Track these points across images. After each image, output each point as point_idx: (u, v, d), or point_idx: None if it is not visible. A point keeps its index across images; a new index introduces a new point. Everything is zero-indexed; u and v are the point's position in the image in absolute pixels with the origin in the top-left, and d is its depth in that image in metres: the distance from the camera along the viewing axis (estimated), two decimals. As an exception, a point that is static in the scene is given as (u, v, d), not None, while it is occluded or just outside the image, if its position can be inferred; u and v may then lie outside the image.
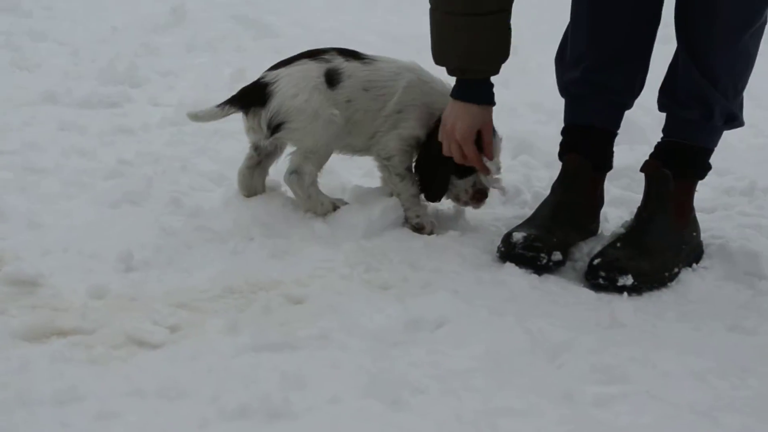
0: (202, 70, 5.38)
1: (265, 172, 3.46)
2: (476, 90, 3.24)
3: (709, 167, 3.35)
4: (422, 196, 3.39)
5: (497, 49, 3.20)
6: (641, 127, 4.35)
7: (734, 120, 3.29)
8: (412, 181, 3.38)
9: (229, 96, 3.41)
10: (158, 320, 2.62)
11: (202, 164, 3.84)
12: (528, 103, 4.96)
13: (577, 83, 3.40)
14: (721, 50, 3.19)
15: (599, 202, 3.45)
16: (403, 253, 3.15)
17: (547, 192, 3.61)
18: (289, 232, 3.26)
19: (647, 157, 3.36)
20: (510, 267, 3.10)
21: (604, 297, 3.00)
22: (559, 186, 3.40)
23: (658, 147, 3.35)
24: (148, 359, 2.46)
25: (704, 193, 3.76)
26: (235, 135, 4.18)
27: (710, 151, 3.34)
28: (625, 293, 3.01)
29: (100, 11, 6.81)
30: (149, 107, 4.70)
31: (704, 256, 3.30)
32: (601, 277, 3.05)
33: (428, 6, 3.19)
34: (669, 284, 3.12)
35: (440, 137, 3.27)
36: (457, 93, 3.24)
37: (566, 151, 3.44)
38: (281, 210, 3.38)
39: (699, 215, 3.39)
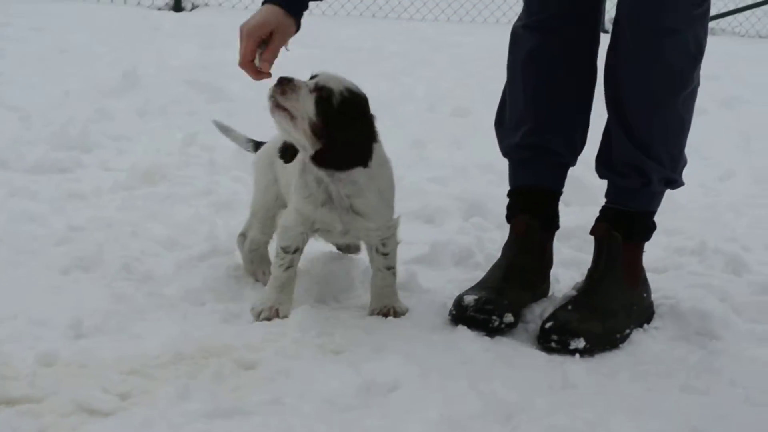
0: (154, 135, 5.38)
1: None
2: None
3: (653, 228, 3.38)
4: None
5: None
6: (590, 188, 4.38)
7: (673, 183, 3.33)
8: (278, 262, 3.19)
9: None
10: (109, 387, 2.59)
11: (153, 229, 3.82)
12: (479, 165, 4.99)
13: (518, 148, 3.44)
14: (652, 119, 3.22)
15: (549, 262, 3.47)
16: (356, 317, 3.15)
17: (500, 253, 3.63)
18: (240, 296, 3.25)
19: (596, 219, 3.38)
20: (462, 330, 3.09)
21: (557, 358, 2.99)
22: (509, 248, 3.42)
23: (603, 211, 3.38)
24: (98, 428, 2.43)
25: (655, 253, 3.79)
26: (188, 200, 4.19)
27: (653, 213, 3.37)
28: (578, 354, 3.02)
29: (54, 76, 6.79)
30: (101, 172, 4.69)
31: (655, 316, 3.31)
32: (554, 340, 3.06)
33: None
34: (620, 345, 3.13)
35: None
36: None
37: (514, 213, 3.46)
38: (232, 275, 3.39)
39: (649, 275, 3.41)
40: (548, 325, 3.10)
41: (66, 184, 4.40)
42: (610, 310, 3.18)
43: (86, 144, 5.00)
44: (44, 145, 4.95)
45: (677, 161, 3.32)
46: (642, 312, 3.28)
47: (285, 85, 2.97)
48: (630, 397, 2.76)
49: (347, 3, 11.59)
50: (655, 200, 3.36)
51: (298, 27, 3.15)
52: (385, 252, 3.21)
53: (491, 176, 4.81)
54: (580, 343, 3.04)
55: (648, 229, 3.37)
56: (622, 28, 3.20)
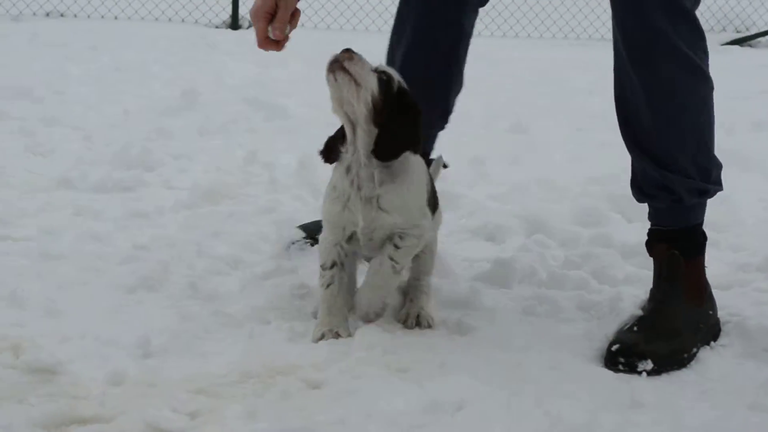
0: (214, 153, 5.41)
1: None
2: None
3: (703, 240, 3.35)
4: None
5: None
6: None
7: (706, 193, 3.30)
8: (320, 282, 3.19)
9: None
10: (177, 407, 2.61)
11: (216, 248, 3.84)
12: (539, 181, 4.97)
13: None
14: (666, 135, 3.21)
15: None
16: (420, 335, 3.16)
17: (563, 271, 3.63)
18: (305, 315, 3.26)
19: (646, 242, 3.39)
20: (527, 349, 3.08)
21: (623, 376, 2.97)
22: None
23: (649, 234, 3.38)
24: (168, 447, 2.47)
25: (719, 269, 3.76)
26: (250, 218, 4.21)
27: (698, 225, 3.35)
28: (644, 373, 3.00)
29: (112, 95, 6.87)
30: (163, 191, 4.72)
31: (722, 333, 3.27)
32: (621, 363, 3.02)
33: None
34: (688, 365, 3.10)
35: None
36: None
37: None
38: (297, 293, 3.40)
39: (714, 292, 3.39)
40: (615, 347, 3.07)
41: (129, 203, 4.43)
42: (676, 329, 3.15)
43: (148, 163, 5.03)
44: (106, 164, 5.00)
45: (707, 169, 3.28)
46: (708, 330, 3.25)
47: (352, 53, 3.01)
48: (697, 415, 2.74)
49: (402, 19, 11.60)
50: (694, 213, 3.33)
51: None
52: (398, 245, 3.13)
53: (551, 193, 4.80)
54: (648, 365, 3.01)
55: (697, 242, 3.35)
56: (619, 53, 3.22)
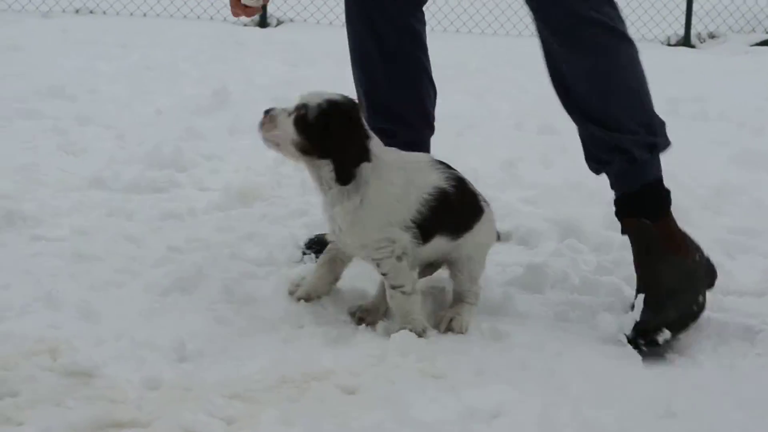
0: (245, 153, 5.41)
1: None
2: None
3: (666, 194, 3.42)
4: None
5: None
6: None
7: (655, 147, 3.39)
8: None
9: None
10: (213, 412, 2.62)
11: (250, 250, 3.84)
12: (570, 184, 4.95)
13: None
14: (605, 98, 3.35)
15: None
16: (455, 341, 3.16)
17: (596, 277, 3.63)
18: (339, 319, 3.27)
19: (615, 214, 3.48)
20: (561, 355, 3.08)
21: (660, 383, 2.96)
22: None
23: (616, 204, 3.46)
24: (205, 453, 2.48)
25: (752, 275, 3.75)
26: (282, 220, 4.22)
27: (658, 181, 3.42)
28: (681, 378, 3.01)
29: (144, 94, 6.90)
30: (195, 192, 4.72)
31: (757, 340, 3.23)
32: (642, 345, 3.13)
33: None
34: (701, 313, 3.21)
35: None
36: None
37: None
38: (331, 297, 3.40)
39: (748, 299, 3.39)
40: (631, 335, 3.17)
41: (162, 204, 4.43)
42: (673, 289, 3.24)
43: (180, 163, 5.04)
44: (139, 163, 5.02)
45: (650, 125, 3.39)
46: (705, 273, 3.35)
47: (264, 117, 3.20)
48: (735, 425, 2.73)
49: (431, 19, 11.54)
50: (649, 168, 3.41)
51: None
52: (382, 272, 3.18)
53: (583, 196, 4.79)
54: (667, 335, 3.12)
55: (662, 197, 3.42)
56: (546, 41, 3.41)
